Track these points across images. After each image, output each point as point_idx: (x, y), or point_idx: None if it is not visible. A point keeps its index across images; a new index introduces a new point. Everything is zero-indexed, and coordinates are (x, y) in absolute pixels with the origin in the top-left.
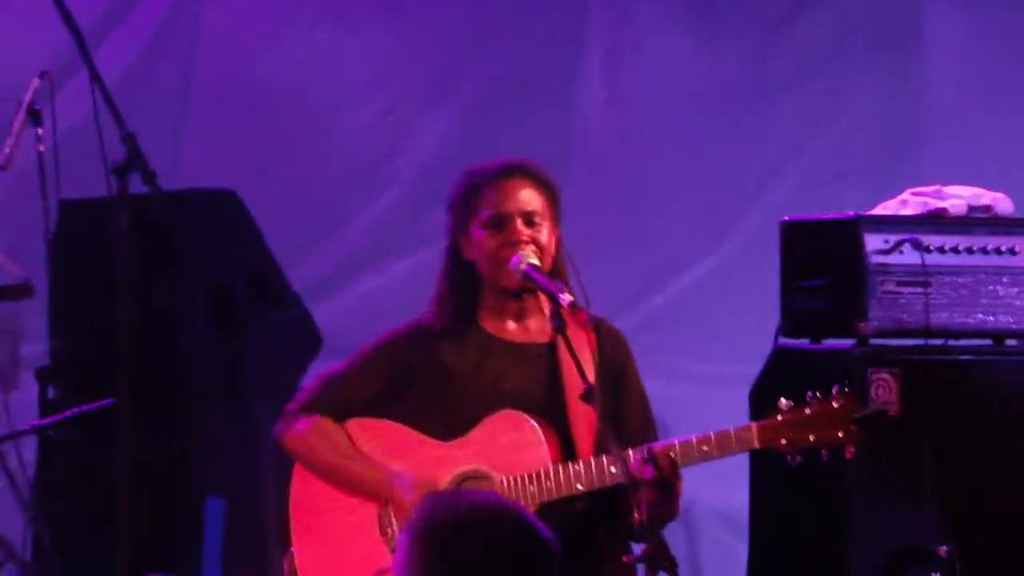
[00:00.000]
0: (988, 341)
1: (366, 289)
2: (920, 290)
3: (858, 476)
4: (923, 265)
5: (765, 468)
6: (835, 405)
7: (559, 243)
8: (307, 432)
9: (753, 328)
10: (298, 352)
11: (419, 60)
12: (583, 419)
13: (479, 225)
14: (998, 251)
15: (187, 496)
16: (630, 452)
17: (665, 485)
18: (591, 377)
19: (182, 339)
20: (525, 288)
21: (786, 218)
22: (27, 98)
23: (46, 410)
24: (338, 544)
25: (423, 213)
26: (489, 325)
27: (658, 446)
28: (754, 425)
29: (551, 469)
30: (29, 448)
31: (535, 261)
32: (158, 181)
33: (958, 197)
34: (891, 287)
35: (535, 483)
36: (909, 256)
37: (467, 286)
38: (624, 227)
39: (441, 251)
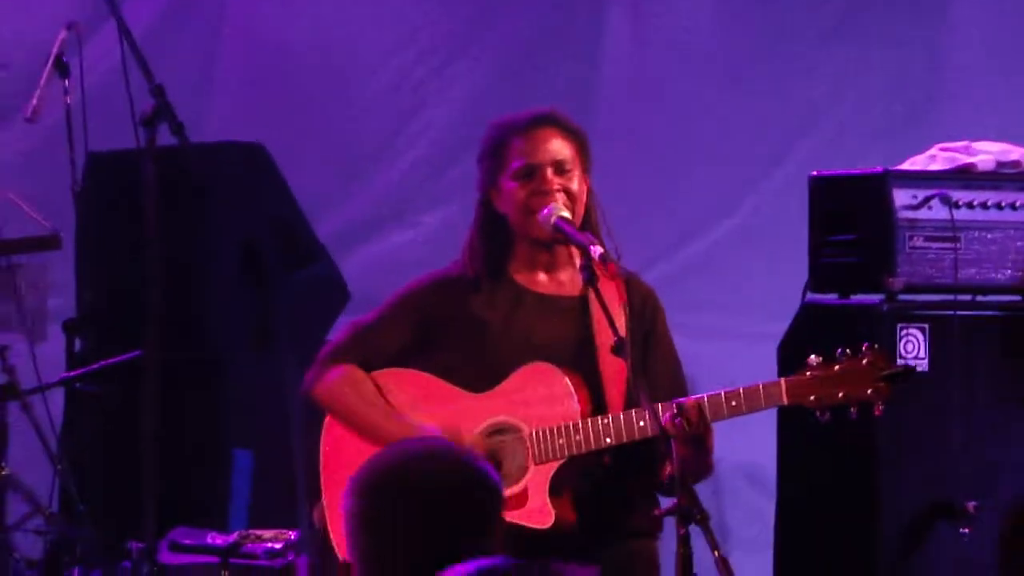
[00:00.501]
0: (1017, 297)
1: (392, 243)
2: (949, 245)
3: (886, 433)
4: (952, 220)
5: (793, 426)
6: (864, 362)
7: (590, 193)
8: (335, 382)
9: (781, 284)
10: (326, 305)
11: (443, 17)
12: (613, 373)
13: (509, 176)
14: None
15: (215, 449)
16: (659, 406)
17: (695, 440)
18: (622, 331)
19: (210, 292)
20: (556, 239)
21: (814, 173)
22: (55, 49)
23: (73, 362)
24: None
25: (449, 168)
26: (520, 277)
27: (687, 400)
28: (783, 381)
29: (580, 422)
30: (56, 400)
31: (566, 213)
32: (186, 133)
33: (987, 153)
34: (919, 242)
35: (564, 436)
36: (938, 211)
37: (498, 238)
38: (650, 183)
39: (467, 205)
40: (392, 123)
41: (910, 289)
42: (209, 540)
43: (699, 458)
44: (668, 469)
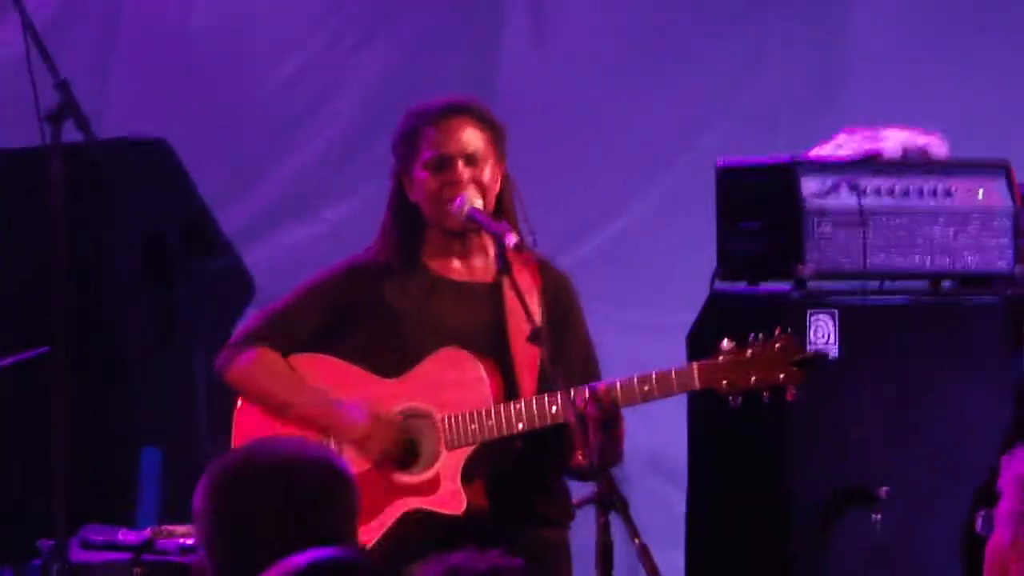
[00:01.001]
0: (924, 283)
1: (295, 237)
2: (857, 232)
3: (797, 420)
4: (860, 207)
5: (703, 413)
6: (776, 347)
7: (505, 180)
8: (250, 363)
9: (687, 273)
10: (231, 300)
11: (346, 7)
12: (526, 359)
13: (421, 166)
14: (933, 193)
15: (123, 447)
16: (573, 391)
17: (607, 425)
18: (536, 317)
19: (114, 288)
20: (469, 229)
21: (721, 162)
22: None
23: None
24: None
25: (350, 162)
26: (434, 264)
27: (600, 386)
28: (695, 365)
29: (492, 408)
30: None
31: (478, 203)
32: (92, 129)
33: (893, 139)
34: (828, 229)
35: (476, 421)
36: (845, 198)
37: (411, 225)
38: (554, 173)
39: (369, 199)
40: (292, 118)
41: (819, 276)
42: (121, 537)
43: (610, 445)
44: (579, 456)
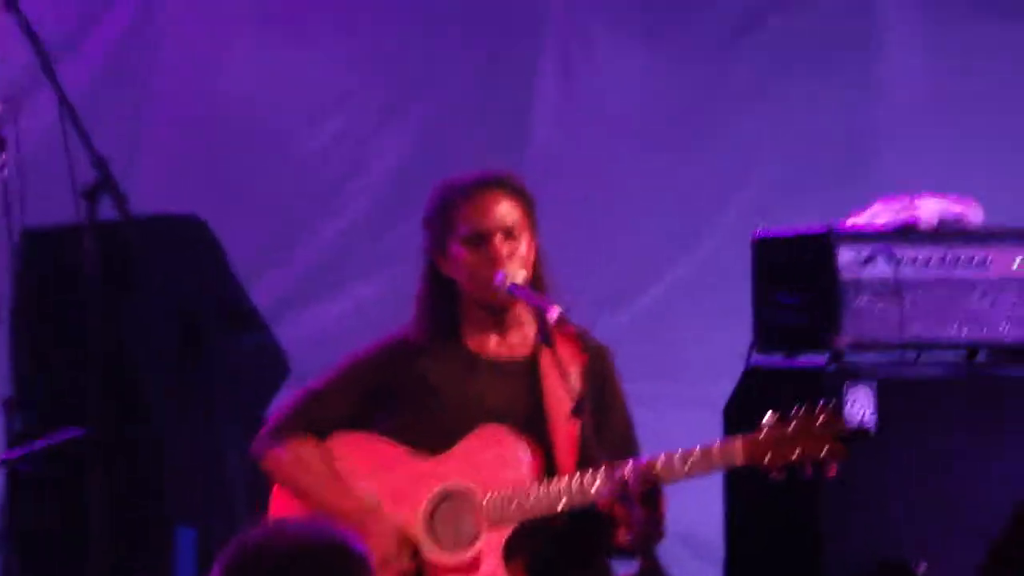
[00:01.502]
0: (960, 352)
1: (328, 313)
2: (894, 303)
3: (834, 493)
4: (896, 278)
5: (740, 487)
6: (819, 421)
7: (539, 252)
8: (285, 454)
9: (722, 346)
10: (266, 377)
11: (375, 80)
12: (565, 437)
13: (458, 242)
14: (970, 262)
15: (157, 527)
16: (614, 467)
17: (648, 502)
18: (578, 392)
19: (148, 367)
20: (510, 303)
21: (758, 232)
22: None
23: (13, 441)
24: None
25: (382, 235)
26: (472, 342)
27: (641, 462)
28: (739, 440)
29: (534, 486)
30: None
31: (520, 277)
32: (128, 206)
33: (928, 208)
34: (864, 300)
35: (518, 500)
36: (882, 269)
37: (447, 301)
38: (584, 245)
39: (399, 275)
40: (323, 191)
41: (856, 348)
42: None
43: (652, 521)
44: (621, 533)
